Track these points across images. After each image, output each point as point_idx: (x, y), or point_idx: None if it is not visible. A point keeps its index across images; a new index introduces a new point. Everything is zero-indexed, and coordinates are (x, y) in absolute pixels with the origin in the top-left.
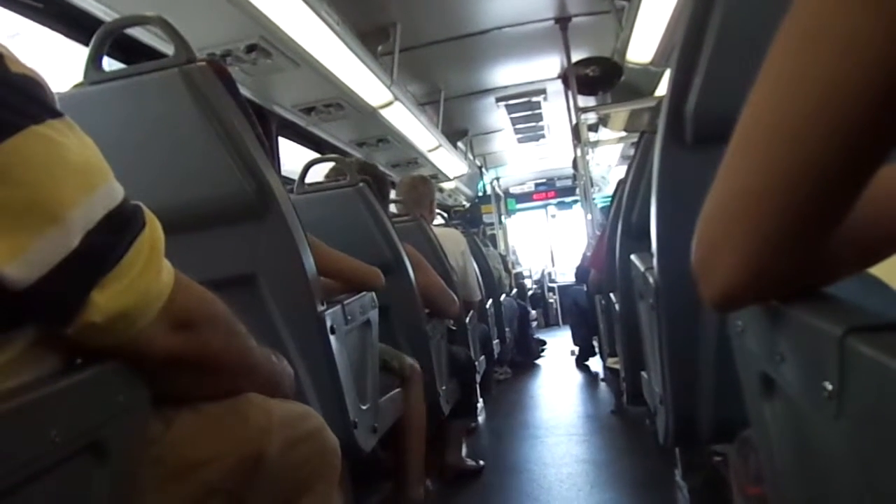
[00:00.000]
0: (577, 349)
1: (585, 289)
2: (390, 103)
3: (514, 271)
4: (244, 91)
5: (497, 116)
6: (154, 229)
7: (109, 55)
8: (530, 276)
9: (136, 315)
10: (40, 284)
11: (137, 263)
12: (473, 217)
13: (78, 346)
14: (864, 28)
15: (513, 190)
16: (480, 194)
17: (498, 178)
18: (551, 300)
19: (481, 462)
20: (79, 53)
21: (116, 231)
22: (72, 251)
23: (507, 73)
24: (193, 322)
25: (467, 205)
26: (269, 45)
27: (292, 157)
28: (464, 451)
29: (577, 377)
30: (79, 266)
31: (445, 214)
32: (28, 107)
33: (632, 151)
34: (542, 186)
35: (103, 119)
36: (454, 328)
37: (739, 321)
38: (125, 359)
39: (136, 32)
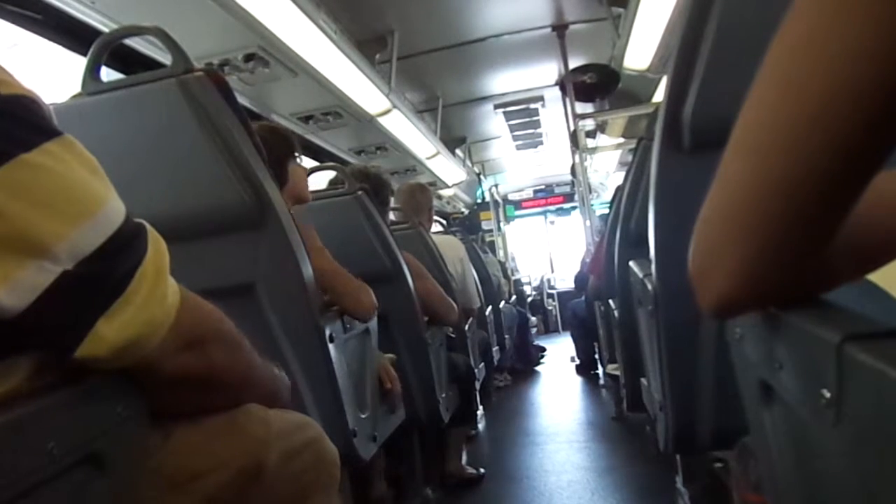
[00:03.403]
0: (577, 357)
1: (584, 297)
2: (388, 111)
3: (513, 278)
4: (242, 100)
5: (495, 123)
6: (158, 251)
7: (107, 65)
8: (529, 283)
9: (143, 342)
10: (35, 310)
11: (142, 290)
12: (472, 224)
13: (83, 372)
14: (862, 36)
15: (511, 196)
16: (479, 201)
17: (496, 185)
18: (551, 307)
19: (481, 470)
20: (77, 64)
21: (116, 257)
22: (61, 278)
23: (505, 81)
24: (199, 341)
25: (466, 212)
26: (266, 54)
27: None
28: (464, 458)
29: (577, 384)
30: (77, 293)
31: (444, 221)
32: (20, 133)
33: (630, 158)
34: (541, 193)
35: (101, 129)
36: (453, 335)
37: (738, 328)
38: (130, 376)
39: (134, 43)
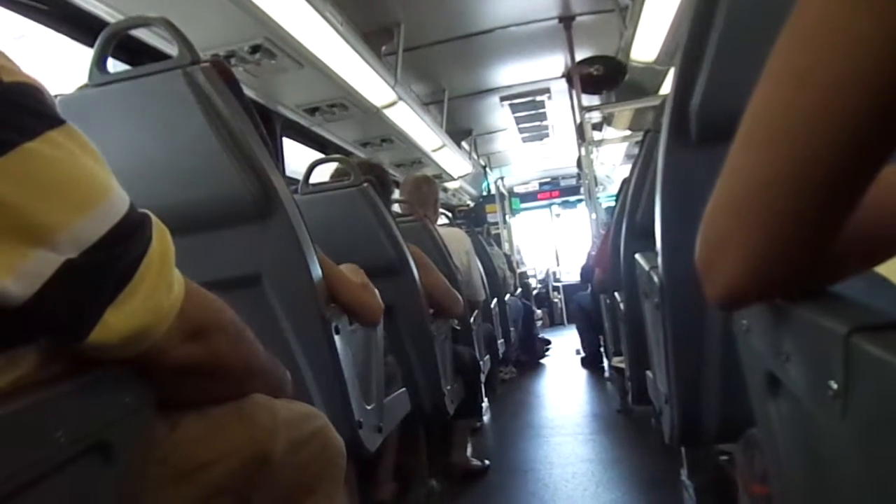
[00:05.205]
0: (582, 349)
1: (589, 290)
2: (394, 103)
3: (518, 271)
4: (248, 91)
5: (501, 116)
6: (163, 241)
7: (114, 57)
8: (535, 276)
9: (150, 331)
10: (40, 299)
11: (148, 280)
12: (478, 216)
13: (89, 361)
14: (868, 28)
15: (517, 189)
16: (485, 194)
17: (502, 178)
18: (556, 300)
19: (486, 462)
20: (83, 55)
21: (121, 245)
22: (65, 266)
23: (511, 73)
24: (204, 331)
25: (471, 204)
26: (273, 45)
27: (297, 157)
28: (469, 450)
29: (582, 376)
30: (82, 281)
31: (450, 214)
32: (22, 121)
33: (636, 150)
34: (547, 186)
35: (107, 120)
36: (459, 328)
37: (744, 320)
38: (137, 366)
39: (141, 34)
